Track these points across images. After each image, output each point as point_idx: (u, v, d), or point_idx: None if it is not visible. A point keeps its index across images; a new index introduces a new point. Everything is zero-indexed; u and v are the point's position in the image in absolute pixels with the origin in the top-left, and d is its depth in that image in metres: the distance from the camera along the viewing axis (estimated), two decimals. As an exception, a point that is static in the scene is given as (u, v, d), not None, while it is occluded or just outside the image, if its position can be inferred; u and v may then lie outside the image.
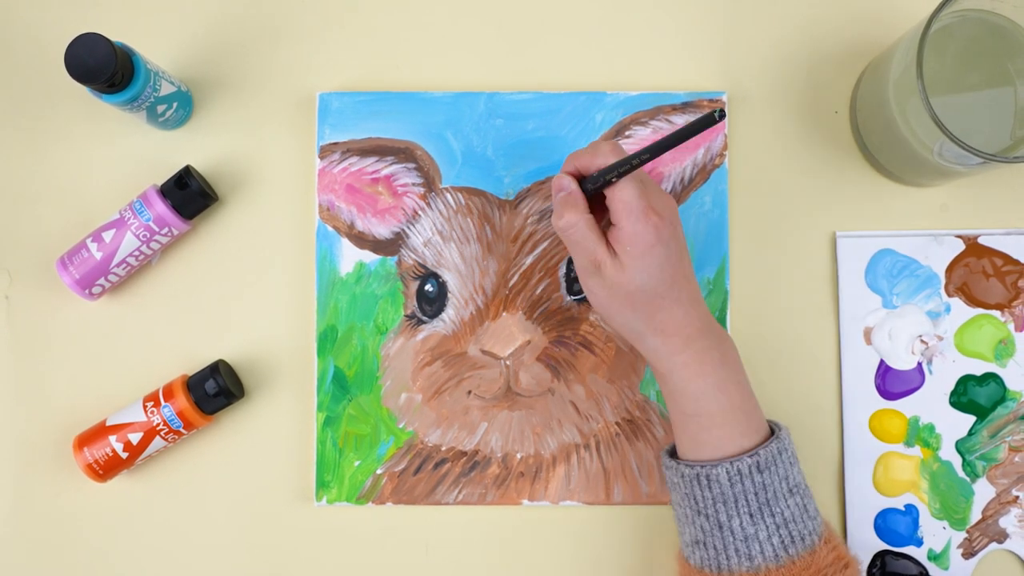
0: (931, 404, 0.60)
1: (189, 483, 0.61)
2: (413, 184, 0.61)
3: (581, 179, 0.53)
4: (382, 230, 0.61)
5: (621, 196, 0.50)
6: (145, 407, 0.58)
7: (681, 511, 0.53)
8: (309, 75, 0.62)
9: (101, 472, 0.58)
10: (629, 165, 0.50)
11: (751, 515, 0.50)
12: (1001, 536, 0.59)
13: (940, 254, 0.61)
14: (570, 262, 0.60)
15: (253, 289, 0.61)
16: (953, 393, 0.60)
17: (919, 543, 0.60)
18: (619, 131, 0.61)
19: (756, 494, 0.50)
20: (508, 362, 0.60)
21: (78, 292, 0.59)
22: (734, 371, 0.53)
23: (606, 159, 0.51)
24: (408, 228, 0.61)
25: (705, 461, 0.51)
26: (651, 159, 0.49)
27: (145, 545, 0.61)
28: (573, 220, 0.51)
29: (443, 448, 0.60)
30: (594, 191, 0.52)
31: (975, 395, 0.60)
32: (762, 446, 0.51)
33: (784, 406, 0.60)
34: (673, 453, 0.55)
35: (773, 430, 0.53)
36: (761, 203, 0.61)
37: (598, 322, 0.60)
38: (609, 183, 0.50)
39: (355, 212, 0.61)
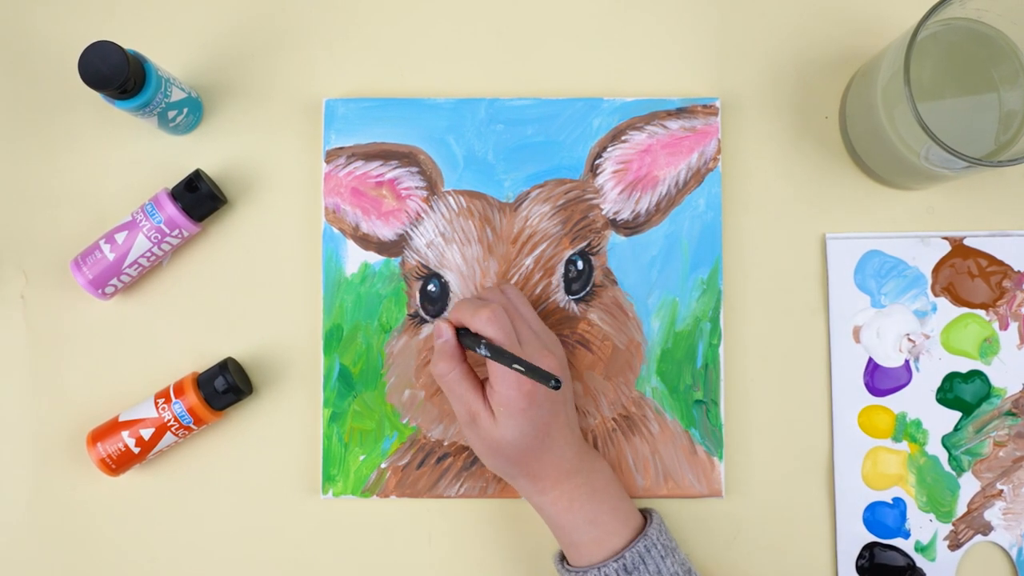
0: (918, 400, 0.61)
1: (199, 477, 0.62)
2: (416, 187, 0.62)
3: (460, 328, 0.55)
4: (386, 232, 0.62)
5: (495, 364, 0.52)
6: (156, 403, 0.59)
7: None
8: (315, 82, 0.63)
9: (114, 466, 0.59)
10: (495, 355, 0.51)
11: None
12: (986, 528, 0.60)
13: (927, 255, 0.61)
14: (568, 263, 0.62)
15: (261, 289, 0.62)
16: (939, 390, 0.61)
17: (906, 535, 0.61)
18: (615, 136, 0.62)
19: None
20: (508, 360, 0.61)
21: (91, 292, 0.60)
22: (604, 499, 0.55)
23: (483, 328, 0.52)
24: (411, 230, 0.62)
25: (580, 567, 0.54)
26: (508, 365, 0.50)
27: (157, 536, 0.61)
28: (446, 370, 0.54)
29: (445, 443, 0.61)
30: (467, 347, 0.53)
31: (961, 392, 0.61)
32: (628, 547, 0.53)
33: (776, 402, 0.62)
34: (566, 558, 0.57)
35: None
36: (753, 206, 0.62)
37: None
38: (471, 347, 0.52)
39: (360, 214, 0.62)
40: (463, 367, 0.54)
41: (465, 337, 0.54)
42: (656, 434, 0.61)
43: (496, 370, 0.52)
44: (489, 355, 0.51)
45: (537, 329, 0.55)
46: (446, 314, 0.55)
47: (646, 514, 0.57)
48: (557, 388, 0.47)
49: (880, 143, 0.57)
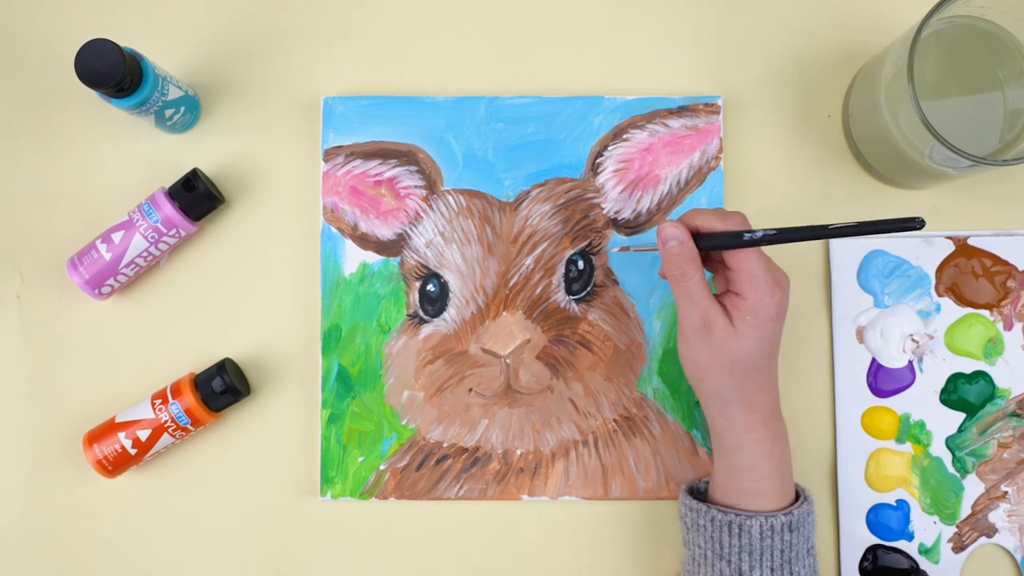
0: (922, 401, 0.61)
1: (196, 479, 0.61)
2: (415, 186, 0.62)
3: (695, 235, 0.53)
4: (385, 231, 0.62)
5: (749, 266, 0.51)
6: (153, 404, 0.59)
7: (699, 551, 0.54)
8: (314, 80, 0.63)
9: (110, 468, 0.59)
10: (759, 238, 0.50)
11: (772, 569, 0.52)
12: (990, 531, 0.60)
13: (931, 255, 0.61)
14: (568, 262, 0.61)
15: (259, 289, 0.62)
16: (943, 391, 0.61)
17: (910, 537, 0.60)
18: (616, 134, 0.61)
19: (782, 551, 0.52)
20: (508, 360, 0.61)
21: (88, 292, 0.59)
22: (788, 455, 0.54)
23: (735, 227, 0.52)
24: (410, 229, 0.62)
25: (740, 510, 0.53)
26: (783, 241, 0.50)
27: (154, 539, 0.61)
28: (691, 272, 0.52)
29: (445, 444, 0.61)
30: (710, 249, 0.52)
31: (965, 393, 0.61)
32: (795, 506, 0.52)
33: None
34: (693, 492, 0.56)
35: (798, 493, 0.55)
36: (756, 205, 0.62)
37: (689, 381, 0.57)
38: (739, 245, 0.51)
39: (358, 214, 0.62)
40: (703, 271, 0.52)
41: (712, 239, 0.52)
42: (658, 435, 0.61)
43: (745, 277, 0.51)
44: (775, 236, 0.49)
45: None
46: (677, 221, 0.53)
47: (798, 488, 0.56)
48: (922, 225, 0.45)
49: (883, 142, 0.57)
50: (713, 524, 0.53)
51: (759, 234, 0.50)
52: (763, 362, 0.52)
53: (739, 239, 0.51)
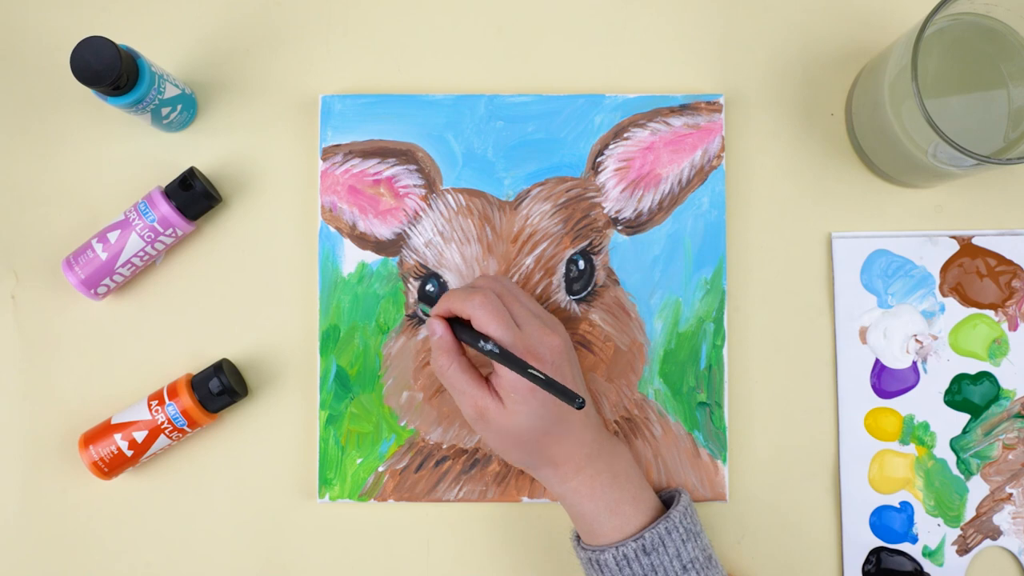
0: (926, 402, 0.60)
1: (193, 481, 0.61)
2: (414, 185, 0.61)
3: (454, 320, 0.54)
4: (384, 231, 0.61)
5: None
6: (150, 406, 0.58)
7: None
8: (312, 78, 0.62)
9: (107, 470, 0.58)
10: (505, 358, 0.50)
11: None
12: (995, 533, 0.60)
13: (935, 254, 0.61)
14: (569, 262, 0.61)
15: (256, 289, 0.62)
16: (947, 392, 0.60)
17: (914, 540, 0.60)
18: (617, 133, 0.61)
19: (646, 575, 0.52)
20: (508, 361, 0.60)
21: (84, 292, 0.59)
22: (626, 487, 0.54)
23: (476, 312, 0.51)
24: (409, 229, 0.61)
25: (597, 546, 0.53)
26: (521, 372, 0.49)
27: (150, 541, 0.61)
28: (446, 364, 0.53)
29: (444, 446, 0.61)
30: (462, 340, 0.53)
31: (969, 394, 0.60)
32: (648, 527, 0.52)
33: (780, 404, 0.61)
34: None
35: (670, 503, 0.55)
36: (758, 204, 0.62)
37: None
38: (473, 347, 0.51)
39: (357, 213, 0.61)
40: (463, 360, 0.53)
41: (464, 333, 0.53)
42: (659, 437, 0.60)
43: None
44: (497, 354, 0.50)
45: (536, 311, 0.55)
46: (436, 307, 0.55)
47: (673, 495, 0.56)
48: (581, 407, 0.46)
49: (887, 140, 0.56)
50: (583, 562, 0.54)
51: (488, 347, 0.51)
52: (548, 425, 0.52)
53: (475, 343, 0.51)
